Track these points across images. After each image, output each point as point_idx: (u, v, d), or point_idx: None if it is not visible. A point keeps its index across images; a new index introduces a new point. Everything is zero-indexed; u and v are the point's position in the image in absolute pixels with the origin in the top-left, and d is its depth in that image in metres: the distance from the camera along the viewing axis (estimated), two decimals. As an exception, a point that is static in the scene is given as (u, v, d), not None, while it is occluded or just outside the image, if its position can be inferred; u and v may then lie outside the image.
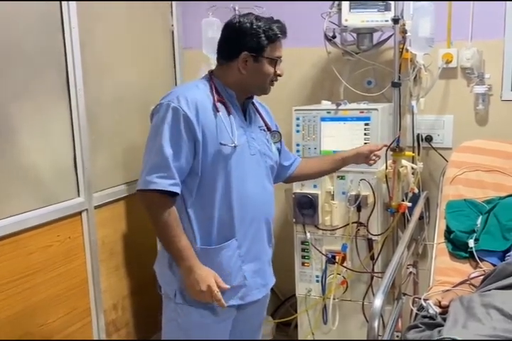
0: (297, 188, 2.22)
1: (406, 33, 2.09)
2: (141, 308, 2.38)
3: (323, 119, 2.18)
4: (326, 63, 2.45)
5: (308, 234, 2.24)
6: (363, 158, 1.83)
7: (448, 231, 1.97)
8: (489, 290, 1.54)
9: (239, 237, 1.60)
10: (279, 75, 1.60)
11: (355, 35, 2.28)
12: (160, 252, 1.66)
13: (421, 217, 2.18)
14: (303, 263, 2.29)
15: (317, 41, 2.26)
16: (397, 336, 1.69)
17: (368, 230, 2.15)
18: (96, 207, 2.09)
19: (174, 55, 2.63)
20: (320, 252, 2.23)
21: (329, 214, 2.19)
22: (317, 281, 2.27)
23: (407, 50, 2.14)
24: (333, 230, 2.21)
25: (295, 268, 2.31)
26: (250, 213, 1.60)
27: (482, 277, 1.68)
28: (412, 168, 2.17)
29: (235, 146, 1.55)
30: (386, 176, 2.10)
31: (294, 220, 2.26)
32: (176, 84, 2.62)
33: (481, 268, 1.78)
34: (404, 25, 2.10)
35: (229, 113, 1.58)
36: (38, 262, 1.85)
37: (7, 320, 1.73)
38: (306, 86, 2.58)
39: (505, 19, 2.26)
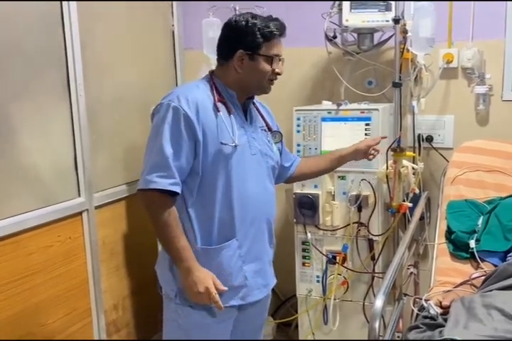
0: (298, 188, 2.22)
1: (407, 33, 2.10)
2: (142, 308, 2.38)
3: (323, 119, 2.18)
4: (326, 63, 2.45)
5: (308, 234, 2.24)
6: (362, 154, 1.81)
7: (449, 232, 1.97)
8: (490, 290, 1.54)
9: (239, 237, 1.59)
10: (278, 74, 1.59)
11: (355, 35, 2.28)
12: (161, 253, 1.66)
13: (422, 218, 2.18)
14: (303, 264, 2.29)
15: (318, 41, 2.26)
16: (398, 336, 1.69)
17: (368, 230, 2.15)
18: (96, 207, 2.09)
19: (175, 55, 2.62)
20: (320, 252, 2.23)
21: (330, 215, 2.19)
22: (318, 281, 2.26)
23: (407, 50, 2.14)
24: (333, 230, 2.20)
25: (296, 268, 2.31)
26: (251, 213, 1.60)
27: (483, 277, 1.68)
28: (413, 168, 2.17)
29: (235, 146, 1.55)
30: (387, 176, 2.10)
31: (294, 220, 2.26)
32: (176, 85, 2.62)
33: (482, 268, 1.78)
34: (405, 25, 2.10)
35: (229, 113, 1.57)
36: (39, 262, 1.85)
37: (7, 320, 1.73)
38: (307, 86, 2.57)
39: (506, 19, 2.25)
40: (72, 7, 1.92)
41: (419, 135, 2.39)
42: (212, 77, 1.62)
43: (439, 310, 1.51)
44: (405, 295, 1.85)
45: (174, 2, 2.58)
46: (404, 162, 2.13)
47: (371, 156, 1.82)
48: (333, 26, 2.22)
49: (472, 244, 1.85)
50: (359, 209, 2.14)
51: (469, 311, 1.42)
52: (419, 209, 2.03)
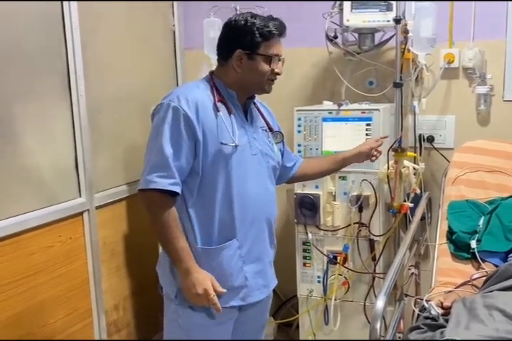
0: (299, 189, 2.22)
1: (408, 33, 2.09)
2: (143, 309, 2.38)
3: (324, 120, 2.18)
4: (327, 63, 2.45)
5: (309, 235, 2.23)
6: (365, 156, 1.82)
7: (450, 232, 1.96)
8: (491, 291, 1.53)
9: (240, 237, 1.59)
10: (277, 74, 1.58)
11: (356, 35, 2.28)
12: (162, 253, 1.66)
13: (423, 218, 2.18)
14: (304, 264, 2.29)
15: (318, 41, 2.26)
16: (399, 337, 1.68)
17: (369, 231, 2.15)
18: (97, 208, 2.09)
19: (175, 55, 2.63)
20: (321, 253, 2.23)
21: (331, 215, 2.19)
22: (318, 282, 2.26)
23: (408, 50, 2.14)
24: (334, 231, 2.20)
25: (296, 268, 2.30)
26: (251, 213, 1.60)
27: (484, 278, 1.67)
28: (414, 169, 2.16)
29: (235, 146, 1.55)
30: (388, 176, 2.09)
31: (295, 221, 2.26)
32: (177, 85, 2.62)
33: (483, 269, 1.77)
34: (406, 25, 2.09)
35: (230, 113, 1.57)
36: (39, 262, 1.85)
37: (8, 320, 1.73)
38: (308, 86, 2.57)
39: (507, 19, 2.25)
40: (73, 7, 1.92)
41: (420, 135, 2.38)
42: (212, 77, 1.61)
43: (440, 311, 1.51)
44: (406, 295, 1.84)
45: (175, 2, 2.58)
46: (406, 162, 2.13)
47: (374, 158, 1.83)
48: (334, 26, 2.22)
49: (473, 244, 1.85)
50: (360, 209, 2.14)
51: (470, 312, 1.42)
52: (420, 210, 2.03)
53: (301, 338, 2.36)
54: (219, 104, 1.55)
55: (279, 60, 1.58)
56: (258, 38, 1.51)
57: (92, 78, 2.04)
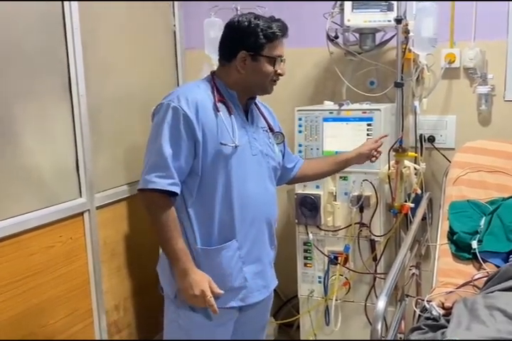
0: (299, 189, 2.22)
1: (409, 33, 2.09)
2: (143, 309, 2.38)
3: (325, 120, 2.17)
4: (328, 63, 2.45)
5: (310, 235, 2.23)
6: (365, 157, 1.83)
7: (451, 233, 1.96)
8: (493, 291, 1.53)
9: (239, 238, 1.59)
10: (280, 74, 1.58)
11: (357, 35, 2.28)
12: (162, 253, 1.65)
13: (424, 218, 2.17)
14: (305, 264, 2.28)
15: (319, 41, 2.26)
16: (400, 338, 1.68)
17: (370, 231, 2.15)
18: (98, 208, 2.09)
19: (176, 55, 2.62)
20: (322, 253, 2.23)
21: (331, 215, 2.19)
22: (319, 282, 2.26)
23: (409, 50, 2.14)
24: (335, 231, 2.20)
25: (297, 269, 2.30)
26: (251, 214, 1.60)
27: (485, 278, 1.67)
28: (415, 169, 2.16)
29: (235, 146, 1.54)
30: (389, 177, 2.09)
31: (296, 221, 2.26)
32: (177, 85, 2.61)
33: (485, 269, 1.77)
34: (407, 25, 2.09)
35: (230, 113, 1.57)
36: (40, 263, 1.84)
37: (9, 320, 1.73)
38: (309, 86, 2.57)
39: (509, 19, 2.25)
40: (74, 7, 1.92)
41: (421, 135, 2.38)
42: (213, 77, 1.61)
43: (442, 311, 1.51)
44: (407, 296, 1.84)
45: (175, 2, 2.58)
46: (406, 162, 2.13)
47: (374, 159, 1.83)
48: (334, 26, 2.22)
49: (474, 244, 1.85)
50: (361, 209, 2.14)
51: (472, 312, 1.42)
52: (421, 210, 2.02)
53: (301, 338, 2.36)
54: (219, 105, 1.55)
55: (282, 60, 1.58)
56: (262, 40, 1.52)
57: (92, 78, 2.03)
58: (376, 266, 2.16)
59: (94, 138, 2.06)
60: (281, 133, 1.73)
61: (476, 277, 1.73)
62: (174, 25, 2.59)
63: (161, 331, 1.71)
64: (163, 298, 1.66)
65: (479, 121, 2.37)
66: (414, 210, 2.10)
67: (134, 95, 2.29)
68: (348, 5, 2.12)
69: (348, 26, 2.15)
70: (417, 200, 2.16)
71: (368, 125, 2.12)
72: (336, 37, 2.24)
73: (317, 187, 2.19)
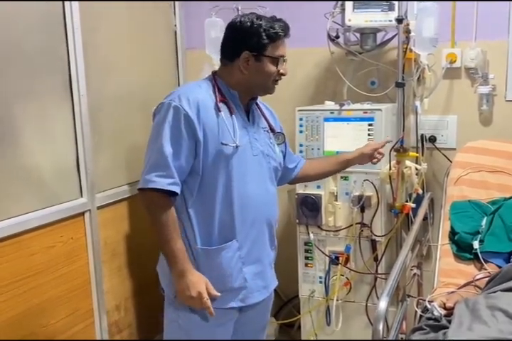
0: (300, 189, 2.21)
1: (410, 32, 2.09)
2: (144, 309, 2.37)
3: (326, 120, 2.17)
4: (329, 63, 2.44)
5: (311, 235, 2.23)
6: (367, 158, 1.82)
7: (452, 233, 1.96)
8: (494, 292, 1.53)
9: (240, 239, 1.59)
10: (283, 74, 1.59)
11: (358, 35, 2.28)
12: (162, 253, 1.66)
13: (425, 218, 2.17)
14: (306, 264, 2.28)
15: (320, 41, 2.26)
16: (402, 338, 1.68)
17: (371, 231, 2.14)
18: (99, 208, 2.09)
19: (177, 55, 2.62)
20: (323, 253, 2.23)
21: (332, 215, 2.18)
22: (320, 282, 2.26)
23: (410, 50, 2.13)
24: (336, 231, 2.20)
25: (298, 269, 2.30)
26: (251, 214, 1.60)
27: (487, 279, 1.67)
28: (416, 169, 2.16)
29: (236, 146, 1.54)
30: (390, 177, 2.09)
31: (297, 221, 2.26)
32: (178, 85, 2.61)
33: (486, 269, 1.77)
34: (408, 25, 2.09)
35: (231, 113, 1.57)
36: (41, 263, 1.84)
37: (10, 320, 1.73)
38: (310, 86, 2.57)
39: (510, 19, 2.24)
40: (74, 7, 1.92)
41: (422, 135, 2.38)
42: (215, 77, 1.61)
43: (443, 312, 1.50)
44: (409, 296, 1.84)
45: (176, 2, 2.58)
46: (408, 162, 2.12)
47: (375, 160, 1.83)
48: (335, 26, 2.22)
49: (476, 244, 1.85)
50: (362, 209, 2.13)
51: (473, 313, 1.41)
52: (422, 210, 2.02)
53: (302, 339, 2.36)
54: (220, 105, 1.55)
55: (284, 60, 1.58)
56: (265, 40, 1.52)
57: (93, 78, 2.03)
58: (377, 266, 2.16)
59: (95, 137, 2.06)
60: (282, 134, 1.73)
61: (477, 277, 1.73)
62: (175, 25, 2.59)
63: (161, 331, 1.71)
64: (163, 298, 1.66)
65: (480, 121, 2.36)
66: (415, 210, 2.09)
67: (135, 95, 2.29)
68: (349, 5, 2.12)
69: (349, 26, 2.15)
70: (418, 200, 2.15)
71: (369, 125, 2.11)
72: (337, 37, 2.23)
73: (318, 187, 2.19)
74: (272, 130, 1.70)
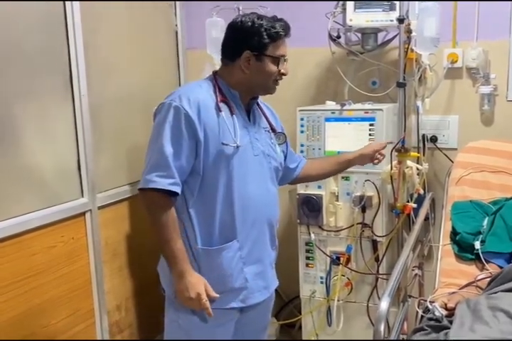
0: (301, 189, 2.21)
1: (411, 32, 2.08)
2: (145, 309, 2.37)
3: (327, 120, 2.17)
4: (330, 63, 2.44)
5: (312, 235, 2.23)
6: (368, 158, 1.82)
7: (454, 233, 1.95)
8: (496, 292, 1.53)
9: (240, 239, 1.58)
10: (284, 74, 1.59)
11: (359, 35, 2.27)
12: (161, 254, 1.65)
13: (426, 218, 2.17)
14: (307, 265, 2.28)
15: (321, 41, 2.26)
16: (403, 338, 1.68)
17: (372, 231, 2.14)
18: (99, 208, 2.09)
19: (178, 55, 2.62)
20: (324, 253, 2.22)
21: (333, 215, 2.18)
22: (321, 283, 2.25)
23: (412, 50, 2.13)
24: (337, 231, 2.20)
25: (299, 269, 2.30)
26: (252, 215, 1.59)
27: (488, 279, 1.66)
28: (418, 169, 2.15)
29: (237, 146, 1.54)
30: (391, 177, 2.09)
31: (298, 221, 2.25)
32: (179, 85, 2.61)
33: (488, 270, 1.77)
34: (409, 25, 2.09)
35: (232, 113, 1.57)
36: (42, 263, 1.84)
37: (11, 321, 1.73)
38: (311, 86, 2.57)
39: (511, 19, 2.24)
40: (75, 7, 1.92)
41: (423, 135, 2.37)
42: (215, 77, 1.61)
43: (444, 312, 1.50)
44: (410, 296, 1.83)
45: (177, 2, 2.58)
46: (409, 162, 2.12)
47: (376, 161, 1.82)
48: (336, 26, 2.22)
49: (477, 245, 1.84)
50: (363, 209, 2.13)
51: (475, 313, 1.41)
52: (423, 210, 2.02)
53: (303, 339, 2.36)
54: (221, 104, 1.55)
55: (285, 60, 1.58)
56: (266, 40, 1.52)
57: (94, 78, 2.03)
58: (378, 266, 2.15)
59: (96, 138, 2.06)
60: (283, 134, 1.73)
61: (479, 278, 1.73)
62: (176, 25, 2.59)
63: (162, 331, 1.70)
64: (164, 298, 1.66)
65: (482, 121, 2.36)
66: (416, 210, 2.09)
67: (136, 95, 2.29)
68: (350, 5, 2.11)
69: (350, 26, 2.15)
70: (420, 200, 2.15)
71: (370, 125, 2.11)
72: (338, 37, 2.23)
73: (319, 187, 2.18)
74: (273, 130, 1.70)
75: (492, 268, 1.77)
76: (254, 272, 1.63)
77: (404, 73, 2.11)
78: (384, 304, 1.28)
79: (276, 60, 1.55)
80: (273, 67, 1.55)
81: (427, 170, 2.23)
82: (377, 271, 2.15)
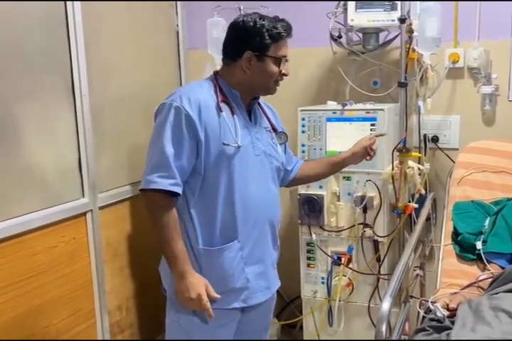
0: (303, 189, 2.21)
1: (412, 32, 2.08)
2: (146, 309, 2.37)
3: (328, 120, 2.17)
4: (331, 63, 2.44)
5: (313, 236, 2.22)
6: (359, 156, 1.77)
7: (455, 233, 1.95)
8: (497, 293, 1.52)
9: (242, 239, 1.58)
10: (285, 75, 1.58)
11: (361, 35, 2.27)
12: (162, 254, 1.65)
13: (428, 219, 2.17)
14: (308, 265, 2.28)
15: (323, 41, 2.25)
16: (405, 339, 1.67)
17: (374, 231, 2.14)
18: (100, 208, 2.09)
19: (179, 55, 2.62)
20: (325, 253, 2.22)
21: (335, 216, 2.18)
22: (322, 283, 2.25)
23: (413, 50, 2.13)
24: (338, 231, 2.19)
25: (300, 269, 2.29)
26: (253, 215, 1.59)
27: (490, 280, 1.66)
28: (419, 169, 2.15)
29: (238, 146, 1.54)
30: (392, 177, 2.09)
31: (299, 221, 2.25)
32: (180, 85, 2.61)
33: (489, 270, 1.76)
34: (410, 24, 2.08)
35: (233, 113, 1.57)
36: (43, 263, 1.84)
37: (12, 321, 1.73)
38: (312, 86, 2.56)
39: (513, 19, 2.24)
40: (77, 7, 1.92)
41: (424, 135, 2.37)
42: (216, 77, 1.61)
43: (446, 313, 1.50)
44: (411, 297, 1.83)
45: (178, 2, 2.57)
46: (410, 162, 2.12)
47: (368, 157, 1.78)
48: (338, 26, 2.22)
49: (479, 245, 1.84)
50: (364, 210, 2.13)
51: (476, 314, 1.41)
52: (425, 211, 2.02)
53: (305, 339, 2.35)
54: (222, 105, 1.55)
55: (286, 60, 1.58)
56: (268, 40, 1.51)
57: (95, 78, 2.03)
58: (380, 266, 2.15)
59: (97, 138, 2.06)
60: (285, 134, 1.72)
61: (480, 278, 1.72)
62: (177, 25, 2.59)
63: (163, 331, 1.70)
64: (165, 298, 1.66)
65: (483, 121, 2.36)
66: (418, 211, 2.09)
67: (137, 95, 2.29)
68: (351, 4, 2.11)
69: (352, 26, 2.15)
70: (421, 201, 2.15)
71: (372, 125, 2.11)
72: (340, 37, 2.23)
73: (320, 187, 2.18)
74: (274, 130, 1.70)
75: (494, 269, 1.76)
76: (255, 272, 1.62)
77: (405, 73, 2.11)
78: (385, 304, 1.28)
79: (278, 61, 1.55)
80: (274, 68, 1.55)
81: (428, 170, 2.23)
82: (379, 272, 2.15)
